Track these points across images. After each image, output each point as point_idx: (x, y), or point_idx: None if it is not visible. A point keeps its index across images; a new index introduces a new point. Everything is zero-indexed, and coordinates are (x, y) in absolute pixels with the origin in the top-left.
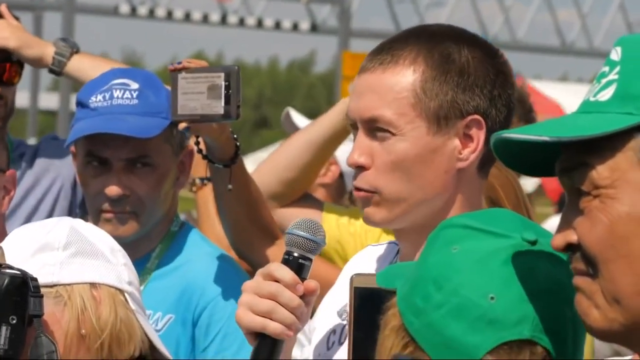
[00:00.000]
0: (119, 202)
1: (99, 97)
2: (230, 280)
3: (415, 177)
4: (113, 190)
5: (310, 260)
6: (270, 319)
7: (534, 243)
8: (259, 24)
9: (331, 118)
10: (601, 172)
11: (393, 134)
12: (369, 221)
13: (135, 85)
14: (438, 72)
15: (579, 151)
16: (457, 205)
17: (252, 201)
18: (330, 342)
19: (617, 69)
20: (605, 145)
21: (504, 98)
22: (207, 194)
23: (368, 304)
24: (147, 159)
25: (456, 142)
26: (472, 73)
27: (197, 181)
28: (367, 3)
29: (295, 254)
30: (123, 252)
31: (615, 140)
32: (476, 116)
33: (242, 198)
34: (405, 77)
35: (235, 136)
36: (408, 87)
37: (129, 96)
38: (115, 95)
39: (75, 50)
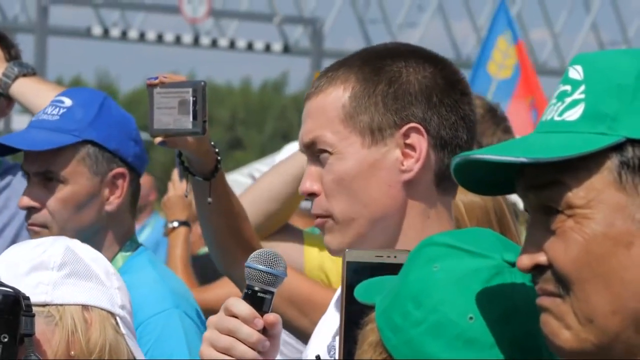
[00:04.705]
0: (29, 215)
1: (40, 112)
2: (163, 304)
3: (359, 194)
4: (22, 201)
5: (272, 293)
6: (231, 356)
7: (514, 265)
8: (232, 45)
9: None
10: (576, 192)
11: (331, 153)
12: (329, 250)
13: (68, 103)
14: (367, 85)
15: (552, 170)
16: (415, 224)
17: (234, 215)
18: None
19: (582, 88)
20: (580, 164)
21: (447, 104)
22: (175, 238)
23: (361, 278)
24: (54, 174)
25: (397, 153)
26: (405, 82)
27: (168, 224)
28: (339, 24)
29: (256, 288)
30: (118, 275)
31: (590, 160)
32: (413, 124)
33: (223, 211)
34: (335, 96)
35: (217, 150)
36: (338, 105)
37: (55, 112)
38: (45, 111)
39: (26, 73)
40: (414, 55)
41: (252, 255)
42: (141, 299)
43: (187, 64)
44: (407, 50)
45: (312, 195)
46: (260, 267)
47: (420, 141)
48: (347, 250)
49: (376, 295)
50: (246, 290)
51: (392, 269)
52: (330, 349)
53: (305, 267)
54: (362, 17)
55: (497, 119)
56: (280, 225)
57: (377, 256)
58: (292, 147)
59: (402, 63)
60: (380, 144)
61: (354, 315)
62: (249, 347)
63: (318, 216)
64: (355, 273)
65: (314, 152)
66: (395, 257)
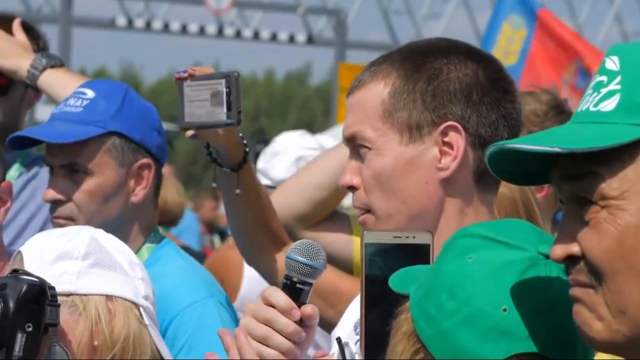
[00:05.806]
0: (55, 207)
1: (61, 104)
2: (197, 294)
3: (396, 190)
4: (47, 194)
5: (310, 284)
6: (266, 345)
7: (548, 257)
8: (255, 35)
9: None
10: (610, 183)
11: (370, 149)
12: None
13: (90, 94)
14: (407, 81)
15: (586, 160)
16: (452, 222)
17: (261, 206)
18: None
19: (618, 79)
20: (614, 155)
21: (487, 102)
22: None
23: (379, 259)
24: (79, 166)
25: (434, 151)
26: (445, 79)
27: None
28: (363, 15)
29: (294, 279)
30: (141, 265)
31: (624, 151)
32: (451, 122)
33: (251, 203)
34: (376, 91)
35: (245, 141)
36: (377, 101)
37: (78, 104)
38: (68, 102)
39: (54, 64)
40: (458, 51)
41: (292, 246)
42: (173, 290)
43: (211, 54)
44: (451, 47)
45: (351, 189)
46: (301, 258)
47: (458, 139)
48: (365, 231)
49: (410, 285)
50: (285, 281)
51: (412, 249)
52: (356, 326)
53: (354, 253)
54: (386, 8)
55: (562, 117)
56: (328, 213)
57: (396, 237)
58: (289, 135)
59: (444, 60)
60: (418, 141)
61: (374, 296)
62: (285, 337)
63: (359, 209)
64: (375, 254)
65: (355, 146)
66: (414, 237)
